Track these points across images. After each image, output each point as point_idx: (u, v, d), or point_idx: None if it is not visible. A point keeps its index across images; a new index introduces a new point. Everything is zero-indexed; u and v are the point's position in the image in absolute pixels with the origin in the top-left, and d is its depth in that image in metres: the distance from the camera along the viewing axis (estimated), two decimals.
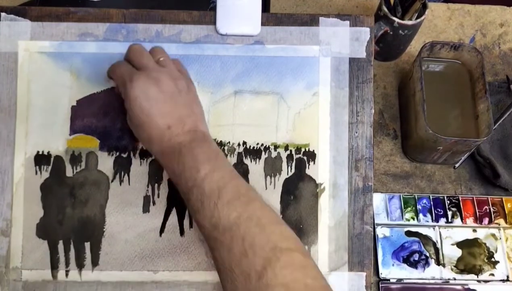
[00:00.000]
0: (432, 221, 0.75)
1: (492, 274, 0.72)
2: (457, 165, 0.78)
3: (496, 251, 0.73)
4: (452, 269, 0.72)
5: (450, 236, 0.74)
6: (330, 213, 0.64)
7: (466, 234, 0.74)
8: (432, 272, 0.72)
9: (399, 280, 0.71)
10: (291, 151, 0.65)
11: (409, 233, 0.74)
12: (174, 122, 0.54)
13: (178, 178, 0.53)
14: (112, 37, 0.64)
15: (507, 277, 0.72)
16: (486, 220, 0.75)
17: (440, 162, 0.78)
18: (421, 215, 0.75)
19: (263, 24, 0.65)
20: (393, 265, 0.72)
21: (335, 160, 0.64)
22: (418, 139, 0.73)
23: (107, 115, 0.64)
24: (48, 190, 0.63)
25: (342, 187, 0.64)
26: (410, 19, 0.76)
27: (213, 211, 0.50)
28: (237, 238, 0.49)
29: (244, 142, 0.64)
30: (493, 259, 0.73)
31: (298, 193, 0.64)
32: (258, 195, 0.54)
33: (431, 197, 0.76)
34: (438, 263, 0.72)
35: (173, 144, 0.53)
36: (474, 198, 0.76)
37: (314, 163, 0.65)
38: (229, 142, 0.64)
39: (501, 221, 0.75)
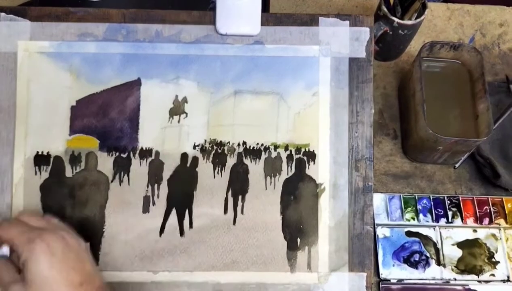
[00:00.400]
0: (433, 221, 0.75)
1: (493, 275, 0.72)
2: (457, 165, 0.78)
3: (496, 251, 0.73)
4: (452, 270, 0.72)
5: (450, 236, 0.74)
6: (331, 213, 0.64)
7: (466, 234, 0.74)
8: (433, 273, 0.72)
9: (400, 281, 0.71)
10: (291, 151, 0.65)
11: (409, 233, 0.74)
12: (85, 279, 0.51)
13: None
14: (112, 37, 0.64)
15: (508, 277, 0.72)
16: (486, 220, 0.75)
17: (440, 162, 0.78)
18: (421, 215, 0.75)
19: (263, 24, 0.65)
20: (393, 265, 0.72)
21: (335, 160, 0.64)
22: (418, 140, 0.73)
23: (107, 116, 0.64)
24: (48, 190, 0.62)
25: (342, 187, 0.64)
26: (410, 19, 0.76)
27: None
28: None
29: (244, 143, 0.64)
30: (493, 259, 0.73)
31: (298, 193, 0.64)
32: None
33: (431, 197, 0.76)
34: (438, 263, 0.72)
35: None
36: (475, 198, 0.76)
37: (314, 163, 0.64)
38: (229, 142, 0.64)
39: (502, 221, 0.75)
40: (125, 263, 0.62)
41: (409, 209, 0.75)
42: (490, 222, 0.75)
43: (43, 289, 0.49)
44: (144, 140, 0.63)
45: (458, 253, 0.73)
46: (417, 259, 0.72)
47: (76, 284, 0.50)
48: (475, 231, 0.75)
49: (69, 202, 0.62)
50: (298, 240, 0.64)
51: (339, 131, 0.65)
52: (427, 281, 0.71)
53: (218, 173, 0.64)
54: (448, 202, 0.76)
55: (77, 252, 0.53)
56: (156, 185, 0.63)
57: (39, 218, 0.55)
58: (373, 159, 0.65)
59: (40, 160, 0.63)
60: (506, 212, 0.75)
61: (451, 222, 0.75)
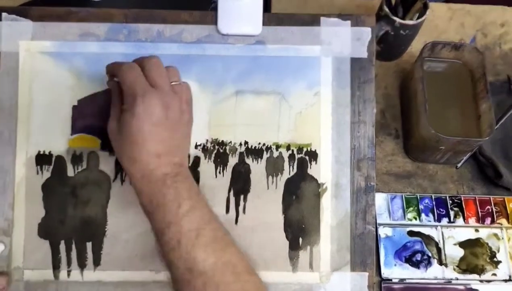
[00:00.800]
0: (434, 221, 0.74)
1: (495, 274, 0.72)
2: (459, 165, 0.78)
3: (498, 251, 0.73)
4: (454, 269, 0.72)
5: (452, 235, 0.74)
6: (332, 213, 0.64)
7: (468, 233, 0.74)
8: (435, 272, 0.72)
9: (402, 280, 0.71)
10: (293, 150, 0.65)
11: (411, 233, 0.74)
12: (165, 152, 0.52)
13: (155, 209, 0.51)
14: (114, 37, 0.64)
15: (510, 277, 0.72)
16: (488, 220, 0.75)
17: (442, 161, 0.77)
18: (423, 215, 0.75)
19: (264, 24, 0.65)
20: (395, 265, 0.72)
21: (337, 160, 0.64)
22: (420, 139, 0.73)
23: (109, 115, 0.63)
24: (50, 190, 0.62)
25: (344, 186, 0.64)
26: (411, 19, 0.76)
27: (190, 252, 0.49)
28: (211, 284, 0.48)
29: (246, 142, 0.64)
30: (495, 259, 0.73)
31: (300, 192, 0.64)
32: (233, 240, 0.53)
33: (433, 197, 0.76)
34: (440, 263, 0.72)
35: (157, 174, 0.51)
36: (476, 198, 0.76)
37: (316, 163, 0.64)
38: (230, 142, 0.64)
39: (504, 221, 0.75)
40: (126, 262, 0.62)
41: (411, 208, 0.75)
42: (492, 221, 0.75)
43: (122, 138, 0.52)
44: None
45: (460, 252, 0.73)
46: (419, 258, 0.72)
47: (154, 155, 0.51)
48: (477, 230, 0.74)
49: (71, 201, 0.62)
50: (300, 239, 0.64)
51: (341, 131, 0.65)
52: (429, 281, 0.71)
53: (219, 172, 0.64)
54: (450, 201, 0.76)
55: (172, 125, 0.53)
56: None
57: (175, 78, 0.56)
58: (375, 158, 0.65)
59: (42, 159, 0.63)
60: (508, 211, 0.75)
61: (453, 222, 0.75)
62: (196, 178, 0.63)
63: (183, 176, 0.53)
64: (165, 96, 0.53)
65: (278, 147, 0.65)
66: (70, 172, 0.63)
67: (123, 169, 0.54)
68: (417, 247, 0.73)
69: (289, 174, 0.64)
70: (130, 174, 0.52)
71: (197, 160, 0.64)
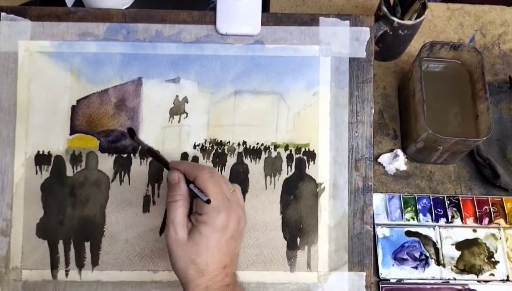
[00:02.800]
0: (432, 221, 0.75)
1: (492, 274, 0.72)
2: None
3: (496, 251, 0.73)
4: (452, 269, 0.72)
5: (450, 236, 0.74)
6: (330, 213, 0.64)
7: (466, 234, 0.74)
8: (432, 272, 0.72)
9: (399, 280, 0.71)
10: (291, 150, 0.65)
11: (409, 233, 0.74)
12: (230, 262, 0.53)
13: None
14: (112, 37, 0.64)
15: (507, 277, 0.72)
16: (486, 220, 0.75)
17: (440, 162, 0.78)
18: (421, 215, 0.75)
19: (263, 24, 0.65)
20: (393, 265, 0.72)
21: (335, 160, 0.64)
22: (418, 140, 0.73)
23: (107, 115, 0.64)
24: (49, 189, 0.63)
25: (342, 186, 0.64)
26: (410, 19, 0.76)
27: None
28: None
29: (244, 142, 0.64)
30: (493, 259, 0.73)
31: (298, 192, 0.64)
32: None
33: (431, 197, 0.76)
34: (438, 263, 0.72)
35: (221, 285, 0.51)
36: (474, 198, 0.76)
37: (314, 163, 0.65)
38: (229, 142, 0.64)
39: (501, 221, 0.75)
40: (125, 262, 0.62)
41: (409, 208, 0.75)
42: (490, 221, 0.75)
43: (198, 251, 0.51)
44: (145, 140, 0.63)
45: (458, 252, 0.73)
46: (417, 259, 0.72)
47: (223, 266, 0.52)
48: (474, 230, 0.75)
49: (70, 201, 0.63)
50: (298, 239, 0.64)
51: (339, 131, 0.65)
52: (427, 281, 0.71)
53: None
54: (448, 201, 0.76)
55: (239, 235, 0.54)
56: (156, 185, 0.63)
57: (230, 186, 0.55)
58: (373, 158, 0.65)
59: (41, 159, 0.63)
60: (506, 211, 0.75)
61: (451, 222, 0.75)
62: None
63: (237, 285, 0.54)
64: (237, 208, 0.53)
65: (276, 147, 0.65)
66: (69, 171, 0.63)
67: (183, 278, 0.52)
68: (415, 247, 0.73)
69: (287, 174, 0.64)
70: (195, 284, 0.51)
71: (195, 160, 0.64)
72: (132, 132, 0.59)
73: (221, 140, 0.64)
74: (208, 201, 0.51)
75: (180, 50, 0.65)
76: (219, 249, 0.51)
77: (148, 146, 0.56)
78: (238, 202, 0.54)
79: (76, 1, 0.79)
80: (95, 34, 0.64)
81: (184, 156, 0.64)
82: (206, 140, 0.64)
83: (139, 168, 0.63)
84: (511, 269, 0.72)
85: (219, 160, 0.64)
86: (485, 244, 0.74)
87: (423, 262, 0.72)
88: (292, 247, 0.64)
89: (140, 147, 0.62)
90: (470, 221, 0.75)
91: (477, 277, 0.72)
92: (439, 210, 0.75)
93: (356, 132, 0.65)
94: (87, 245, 0.62)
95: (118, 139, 0.63)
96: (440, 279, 0.71)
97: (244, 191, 0.64)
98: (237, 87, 0.65)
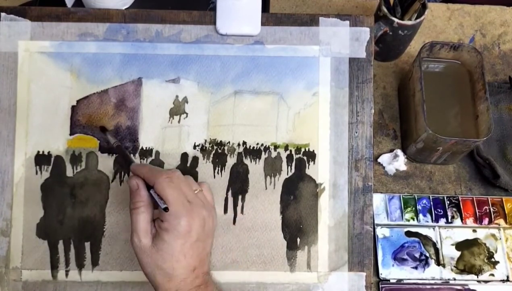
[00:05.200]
0: (432, 221, 0.75)
1: (492, 274, 0.72)
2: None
3: (496, 251, 0.73)
4: (452, 270, 0.72)
5: (450, 236, 0.74)
6: (330, 213, 0.64)
7: (466, 234, 0.74)
8: (432, 273, 0.72)
9: (399, 281, 0.71)
10: (291, 151, 0.65)
11: (409, 233, 0.74)
12: (199, 264, 0.53)
13: None
14: (112, 37, 0.64)
15: (507, 277, 0.72)
16: (486, 220, 0.75)
17: (440, 162, 0.78)
18: (421, 215, 0.75)
19: (263, 24, 0.65)
20: (393, 265, 0.72)
21: (335, 160, 0.64)
22: (418, 140, 0.73)
23: (107, 115, 0.64)
24: (49, 190, 0.63)
25: (342, 187, 0.64)
26: (410, 19, 0.76)
27: None
28: None
29: (244, 143, 0.64)
30: (493, 259, 0.73)
31: (298, 193, 0.64)
32: None
33: (431, 197, 0.76)
34: (438, 263, 0.72)
35: (191, 287, 0.52)
36: (474, 198, 0.76)
37: (314, 163, 0.65)
38: (229, 142, 0.64)
39: (501, 221, 0.75)
40: (125, 262, 0.62)
41: (409, 209, 0.75)
42: (490, 222, 0.75)
43: (163, 257, 0.51)
44: (145, 140, 0.64)
45: (458, 253, 0.73)
46: (416, 259, 0.72)
47: (191, 269, 0.52)
48: (474, 231, 0.75)
49: (70, 201, 0.63)
50: (298, 239, 0.64)
51: (339, 131, 0.65)
52: (427, 281, 0.71)
53: (218, 172, 0.64)
54: (448, 202, 0.76)
55: (206, 236, 0.53)
56: None
57: (195, 187, 0.55)
58: (373, 158, 0.65)
59: (41, 159, 0.63)
60: (506, 212, 0.76)
61: (451, 222, 0.75)
62: (195, 178, 0.63)
63: (210, 283, 0.54)
64: (201, 210, 0.53)
65: (276, 147, 0.65)
66: (69, 172, 0.63)
67: (153, 283, 0.52)
68: (415, 247, 0.73)
69: (287, 174, 0.64)
70: (164, 289, 0.51)
71: (195, 160, 0.64)
72: (103, 129, 0.61)
73: (221, 141, 0.64)
74: (166, 209, 0.50)
75: (180, 50, 0.65)
76: (184, 254, 0.51)
77: (118, 143, 0.56)
78: (202, 204, 0.54)
79: (76, 1, 0.79)
80: (95, 34, 0.64)
81: (184, 156, 0.64)
82: (206, 140, 0.64)
83: None
84: (511, 269, 0.72)
85: (219, 160, 0.64)
86: (485, 244, 0.74)
87: (423, 262, 0.72)
88: (292, 247, 0.64)
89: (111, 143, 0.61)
90: (470, 221, 0.75)
91: (477, 277, 0.72)
92: (439, 210, 0.75)
93: (356, 132, 0.65)
94: (87, 245, 0.62)
95: (118, 139, 0.63)
96: (440, 279, 0.71)
97: (244, 191, 0.64)
98: (237, 88, 0.65)
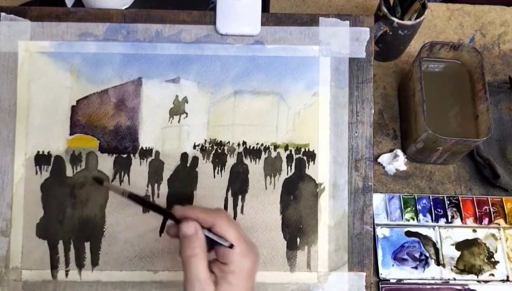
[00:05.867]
0: (432, 221, 0.75)
1: (492, 274, 0.72)
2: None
3: (496, 251, 0.73)
4: (452, 269, 0.72)
5: (450, 236, 0.74)
6: (330, 213, 0.64)
7: (466, 234, 0.74)
8: (432, 273, 0.72)
9: (399, 281, 0.71)
10: (291, 151, 0.65)
11: (409, 233, 0.74)
12: None
13: None
14: (112, 37, 0.64)
15: (507, 277, 0.72)
16: (486, 220, 0.75)
17: (440, 162, 0.78)
18: (421, 215, 0.75)
19: (263, 24, 0.65)
20: (393, 265, 0.72)
21: (335, 160, 0.64)
22: (418, 140, 0.73)
23: (107, 115, 0.64)
24: (48, 190, 0.63)
25: (342, 187, 0.64)
26: (410, 19, 0.76)
27: None
28: None
29: (244, 142, 0.64)
30: (493, 259, 0.73)
31: (298, 193, 0.64)
32: None
33: (431, 197, 0.76)
34: (438, 263, 0.72)
35: None
36: (474, 198, 0.76)
37: (314, 163, 0.65)
38: (229, 142, 0.64)
39: (501, 221, 0.75)
40: (125, 263, 0.62)
41: (409, 209, 0.75)
42: (490, 222, 0.75)
43: None
44: (145, 140, 0.64)
45: (458, 253, 0.73)
46: (416, 259, 0.72)
47: None
48: (474, 231, 0.75)
49: (70, 201, 0.63)
50: (298, 239, 0.64)
51: (339, 131, 0.65)
52: (427, 281, 0.71)
53: (218, 172, 0.64)
54: (448, 202, 0.76)
55: (255, 273, 0.52)
56: (156, 185, 0.63)
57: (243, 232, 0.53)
58: (373, 158, 0.65)
59: (41, 159, 0.63)
60: (506, 212, 0.75)
61: (451, 222, 0.75)
62: (195, 178, 0.64)
63: None
64: (254, 247, 0.52)
65: (276, 147, 0.65)
66: (69, 172, 0.63)
67: None
68: (415, 247, 0.73)
69: (287, 174, 0.64)
70: None
71: (195, 160, 0.64)
72: (98, 180, 0.61)
73: (221, 141, 0.64)
74: (231, 246, 0.49)
75: (180, 50, 0.65)
76: None
77: (128, 192, 0.53)
78: (251, 240, 0.53)
79: (76, 1, 0.79)
80: (95, 34, 0.64)
81: (184, 156, 0.64)
82: (206, 140, 0.64)
83: (139, 168, 0.63)
84: (511, 269, 0.72)
85: (219, 160, 0.64)
86: (485, 244, 0.74)
87: (423, 262, 0.72)
88: (292, 247, 0.64)
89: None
90: (470, 221, 0.75)
91: (477, 277, 0.72)
92: (439, 210, 0.75)
93: (356, 132, 0.65)
94: (87, 245, 0.62)
95: (118, 139, 0.63)
96: (440, 279, 0.71)
97: (244, 191, 0.64)
98: (237, 87, 0.65)
